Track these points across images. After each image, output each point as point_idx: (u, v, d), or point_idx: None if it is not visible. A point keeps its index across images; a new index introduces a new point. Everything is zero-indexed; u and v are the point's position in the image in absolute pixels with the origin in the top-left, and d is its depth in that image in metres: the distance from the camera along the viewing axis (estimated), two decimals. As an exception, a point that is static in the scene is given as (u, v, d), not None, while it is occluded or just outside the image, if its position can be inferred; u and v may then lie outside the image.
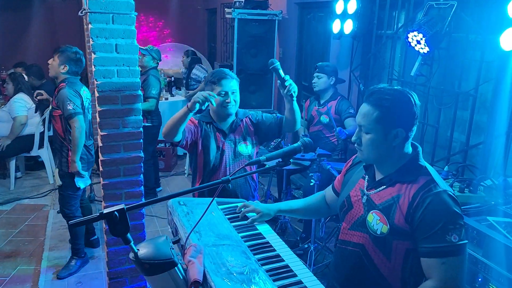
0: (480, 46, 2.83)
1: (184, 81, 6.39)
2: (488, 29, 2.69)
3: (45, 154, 5.11)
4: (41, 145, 5.03)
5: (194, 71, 6.19)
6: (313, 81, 3.83)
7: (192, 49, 6.85)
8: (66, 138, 3.22)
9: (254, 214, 1.86)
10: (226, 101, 2.37)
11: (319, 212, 1.99)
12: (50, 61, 3.26)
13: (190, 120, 2.45)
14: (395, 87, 1.53)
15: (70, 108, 3.10)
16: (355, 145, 1.58)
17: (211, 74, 2.51)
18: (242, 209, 1.88)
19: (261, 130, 2.52)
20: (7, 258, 3.55)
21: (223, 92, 2.37)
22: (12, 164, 4.94)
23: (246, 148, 2.49)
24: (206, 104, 2.23)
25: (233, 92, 2.41)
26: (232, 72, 2.52)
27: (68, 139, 3.21)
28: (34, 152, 5.01)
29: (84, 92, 3.32)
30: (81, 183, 3.29)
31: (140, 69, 4.75)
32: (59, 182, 3.26)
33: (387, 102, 1.47)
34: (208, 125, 2.48)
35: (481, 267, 1.93)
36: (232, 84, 2.41)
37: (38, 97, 3.53)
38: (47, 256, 3.61)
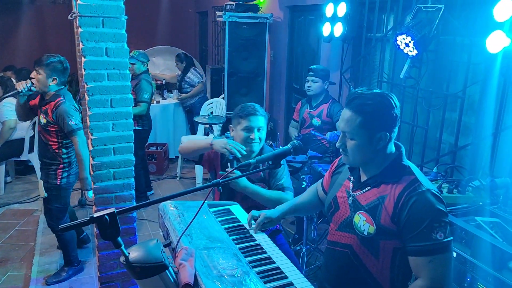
0: (467, 49, 2.87)
1: (177, 84, 6.39)
2: (474, 32, 2.73)
3: (35, 159, 5.06)
4: (31, 149, 4.99)
5: (188, 74, 6.19)
6: (307, 85, 3.81)
7: (183, 52, 6.85)
8: (59, 153, 3.16)
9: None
10: (250, 137, 2.35)
11: (316, 207, 2.00)
12: (33, 75, 3.08)
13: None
14: (375, 91, 1.54)
15: (73, 124, 3.03)
16: (340, 150, 1.60)
17: (240, 108, 2.46)
18: (253, 222, 1.86)
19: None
20: (-3, 264, 3.52)
21: (248, 128, 2.36)
22: (2, 168, 4.90)
23: (229, 202, 2.35)
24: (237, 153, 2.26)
25: (259, 129, 2.39)
26: (261, 108, 2.46)
27: (62, 155, 3.16)
28: (24, 157, 4.97)
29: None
30: (90, 193, 3.18)
31: (132, 74, 4.76)
32: (43, 194, 3.18)
33: (369, 107, 1.49)
34: (230, 158, 2.42)
35: (469, 266, 1.96)
36: (259, 120, 2.38)
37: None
38: (37, 262, 3.57)
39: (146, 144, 5.20)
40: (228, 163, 2.42)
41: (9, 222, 4.25)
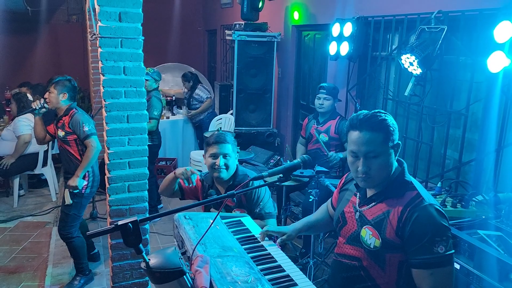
0: (470, 68, 2.97)
1: (186, 101, 6.53)
2: (477, 52, 2.84)
3: (49, 172, 5.20)
4: (44, 163, 5.13)
5: (197, 91, 6.33)
6: (319, 102, 3.88)
7: (191, 70, 7.00)
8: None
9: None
10: (216, 163, 2.42)
11: (329, 224, 2.03)
12: (47, 95, 3.34)
13: (196, 179, 2.57)
14: (373, 111, 1.62)
15: (86, 130, 3.25)
16: (363, 175, 1.59)
17: (210, 136, 2.58)
18: (267, 237, 1.91)
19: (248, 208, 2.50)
20: (11, 275, 3.61)
21: (214, 154, 2.44)
22: (16, 182, 5.03)
23: (240, 214, 2.41)
24: (195, 176, 2.42)
25: (225, 156, 2.43)
26: (231, 136, 2.54)
27: None
28: (37, 170, 5.10)
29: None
30: (69, 197, 3.31)
31: None
32: (69, 201, 3.29)
33: (385, 122, 1.57)
34: (209, 185, 2.58)
35: (473, 278, 2.02)
36: (226, 147, 2.44)
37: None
38: (50, 273, 3.66)
39: (156, 159, 5.31)
40: (208, 188, 2.55)
41: (23, 234, 4.35)
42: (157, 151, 4.95)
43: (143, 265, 1.37)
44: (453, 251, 1.51)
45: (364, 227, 1.64)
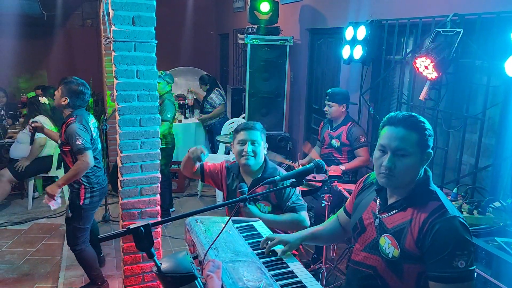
0: (486, 71, 2.92)
1: (200, 104, 6.56)
2: (493, 55, 2.78)
3: (63, 175, 5.25)
4: (59, 166, 5.18)
5: (211, 95, 6.35)
6: (324, 109, 3.94)
7: (206, 73, 7.03)
8: None
9: (281, 246, 1.82)
10: (244, 150, 2.39)
11: (338, 236, 2.00)
12: (56, 92, 3.23)
13: (219, 164, 2.60)
14: (414, 114, 1.59)
15: (79, 144, 3.01)
16: (386, 171, 1.55)
17: (238, 124, 2.58)
18: (269, 242, 1.82)
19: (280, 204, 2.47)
20: (25, 276, 3.64)
21: (242, 141, 2.42)
22: (31, 184, 5.09)
23: (264, 208, 2.45)
24: (205, 156, 2.41)
25: (253, 143, 2.41)
26: (260, 124, 2.54)
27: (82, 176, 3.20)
28: (52, 173, 5.16)
29: (92, 121, 3.31)
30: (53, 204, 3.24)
31: None
32: (68, 214, 3.23)
33: (424, 125, 1.54)
34: (235, 175, 2.54)
35: (491, 287, 1.97)
36: (254, 134, 2.42)
37: (33, 125, 3.48)
38: (63, 275, 3.68)
39: (171, 161, 5.32)
40: (234, 176, 2.52)
41: (36, 236, 4.40)
42: (171, 154, 4.97)
43: (154, 269, 1.36)
44: (474, 267, 1.44)
45: (383, 235, 1.59)
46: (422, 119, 1.56)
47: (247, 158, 2.39)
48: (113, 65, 2.53)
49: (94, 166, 3.19)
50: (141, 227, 1.31)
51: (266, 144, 2.54)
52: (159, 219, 2.81)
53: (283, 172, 2.54)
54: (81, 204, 3.19)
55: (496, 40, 2.77)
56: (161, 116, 4.63)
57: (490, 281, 1.98)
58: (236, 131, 2.49)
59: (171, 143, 4.88)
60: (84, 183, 3.19)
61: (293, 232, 2.28)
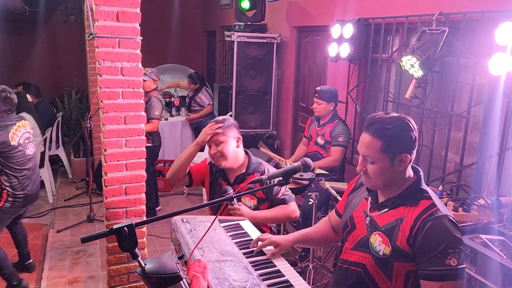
0: (471, 70, 2.95)
1: (187, 103, 6.50)
2: (478, 54, 2.81)
3: (46, 174, 5.16)
4: (41, 165, 5.08)
5: (200, 94, 6.29)
6: (312, 106, 3.93)
7: (194, 71, 6.97)
8: (0, 179, 3.20)
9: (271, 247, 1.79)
10: (210, 153, 2.41)
11: (329, 239, 1.98)
12: None
13: (202, 162, 2.54)
14: (393, 114, 1.56)
15: None
16: (361, 173, 1.61)
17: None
18: (260, 243, 1.79)
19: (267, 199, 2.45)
20: (6, 277, 3.56)
21: (208, 143, 2.41)
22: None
23: (249, 202, 2.42)
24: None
25: (217, 143, 2.38)
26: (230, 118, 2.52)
27: (3, 181, 3.19)
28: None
29: (19, 127, 3.28)
30: None
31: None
32: None
33: (389, 131, 1.51)
34: (218, 173, 2.51)
35: (475, 283, 1.98)
36: (216, 134, 2.39)
37: None
38: (46, 276, 3.61)
39: (156, 160, 5.26)
40: (217, 174, 2.50)
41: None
42: (157, 152, 4.92)
43: (138, 270, 1.33)
44: (464, 265, 1.46)
45: (374, 233, 1.59)
46: (390, 125, 1.50)
47: (217, 161, 2.39)
48: (97, 62, 2.48)
49: (22, 173, 3.21)
50: (125, 227, 1.28)
51: (240, 136, 2.49)
52: (145, 218, 2.77)
53: (268, 167, 2.53)
54: (1, 205, 3.18)
55: (481, 39, 2.79)
56: (149, 114, 4.59)
57: (475, 278, 1.99)
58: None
59: (158, 141, 4.83)
60: (7, 188, 3.19)
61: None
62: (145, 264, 1.33)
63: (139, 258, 1.31)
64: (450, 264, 1.42)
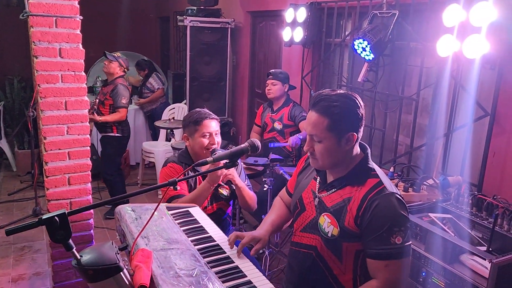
0: (420, 53, 2.99)
1: (138, 89, 6.27)
2: (427, 37, 2.85)
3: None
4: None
5: (150, 79, 6.09)
6: (267, 88, 3.86)
7: (144, 57, 6.73)
8: None
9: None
10: (211, 143, 2.32)
11: (288, 219, 1.91)
12: None
13: (174, 171, 2.35)
14: (339, 92, 1.52)
15: None
16: (308, 154, 1.57)
17: (190, 114, 2.41)
18: (238, 241, 1.66)
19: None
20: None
21: (208, 134, 2.33)
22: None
23: (225, 191, 2.41)
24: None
25: (216, 134, 2.37)
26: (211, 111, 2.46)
27: None
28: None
29: None
30: None
31: (107, 77, 4.56)
32: None
33: (335, 109, 1.46)
34: (189, 166, 2.36)
35: (424, 261, 2.02)
36: (214, 124, 2.36)
37: None
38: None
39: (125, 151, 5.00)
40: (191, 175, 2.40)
41: None
42: (125, 143, 4.63)
43: (74, 262, 1.23)
44: (410, 242, 1.46)
45: (322, 214, 1.56)
46: (337, 102, 1.46)
47: (216, 150, 2.31)
48: (32, 43, 2.30)
49: None
50: (55, 217, 1.17)
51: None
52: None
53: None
54: None
55: (430, 22, 2.83)
56: (115, 103, 4.31)
57: (423, 255, 2.03)
58: (197, 122, 2.32)
59: (127, 131, 4.53)
60: None
61: (246, 207, 2.42)
62: (81, 256, 1.23)
63: (74, 250, 1.21)
64: (395, 243, 1.42)
